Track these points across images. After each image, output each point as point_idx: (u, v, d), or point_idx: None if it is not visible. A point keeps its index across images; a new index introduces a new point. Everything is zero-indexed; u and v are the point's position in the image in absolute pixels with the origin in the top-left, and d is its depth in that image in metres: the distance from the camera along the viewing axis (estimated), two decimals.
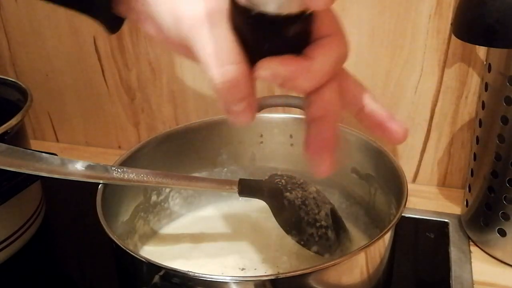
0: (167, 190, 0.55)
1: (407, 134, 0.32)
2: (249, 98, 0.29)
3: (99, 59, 0.71)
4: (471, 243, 0.56)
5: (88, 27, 0.69)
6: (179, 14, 0.30)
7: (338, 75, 0.31)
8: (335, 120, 0.31)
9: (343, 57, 0.30)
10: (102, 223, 0.41)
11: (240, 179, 0.46)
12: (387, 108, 0.33)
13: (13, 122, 0.52)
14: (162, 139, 0.54)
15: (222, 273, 0.48)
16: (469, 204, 0.56)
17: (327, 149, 0.31)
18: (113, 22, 0.36)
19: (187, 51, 0.30)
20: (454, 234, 0.57)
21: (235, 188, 0.46)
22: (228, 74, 0.28)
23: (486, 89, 0.51)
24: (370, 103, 0.32)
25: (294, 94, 0.65)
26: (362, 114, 0.33)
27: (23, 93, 0.57)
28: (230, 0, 0.28)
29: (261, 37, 0.28)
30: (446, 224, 0.59)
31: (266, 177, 0.49)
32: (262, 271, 0.48)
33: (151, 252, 0.52)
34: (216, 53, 0.28)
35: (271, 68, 0.28)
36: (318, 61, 0.28)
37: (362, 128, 0.33)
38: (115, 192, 0.47)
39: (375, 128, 0.33)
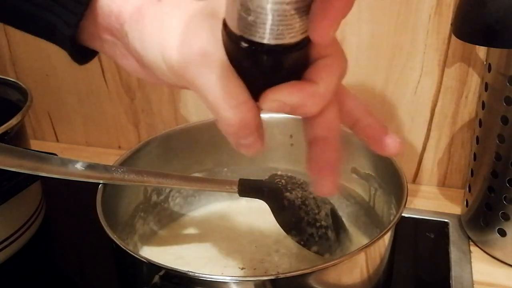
0: (167, 190, 0.55)
1: (401, 148, 0.32)
2: (258, 131, 0.29)
3: (99, 59, 0.71)
4: (471, 243, 0.56)
5: None
6: (171, 60, 0.28)
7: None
8: (338, 138, 0.31)
9: (345, 73, 0.30)
10: (102, 223, 0.41)
11: (240, 179, 0.46)
12: (382, 121, 0.33)
13: (13, 122, 0.52)
14: (162, 139, 0.54)
15: (222, 273, 0.48)
16: (469, 204, 0.56)
17: (331, 169, 0.31)
18: (81, 53, 0.34)
19: (183, 86, 0.29)
20: (454, 234, 0.57)
21: (235, 188, 0.46)
22: (238, 115, 0.27)
23: (486, 89, 0.51)
24: (365, 117, 0.33)
25: None
26: (357, 127, 0.33)
27: (23, 93, 0.57)
28: (225, 35, 0.27)
29: (261, 68, 0.27)
30: (446, 224, 0.59)
31: (266, 177, 0.49)
32: (262, 271, 0.48)
33: (151, 252, 0.52)
34: (223, 96, 0.27)
35: (278, 100, 0.27)
36: (323, 84, 0.28)
37: (360, 139, 0.33)
38: (115, 192, 0.47)
39: (369, 141, 0.33)
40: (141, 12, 0.29)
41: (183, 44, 0.28)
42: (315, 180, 0.31)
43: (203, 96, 0.28)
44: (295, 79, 0.28)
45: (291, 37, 0.26)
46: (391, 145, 0.32)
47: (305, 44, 0.27)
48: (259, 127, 0.29)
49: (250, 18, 0.25)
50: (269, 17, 0.25)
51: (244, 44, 0.26)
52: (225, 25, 0.27)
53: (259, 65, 0.27)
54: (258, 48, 0.26)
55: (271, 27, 0.25)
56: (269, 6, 0.24)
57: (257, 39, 0.26)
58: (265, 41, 0.26)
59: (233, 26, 0.26)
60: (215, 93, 0.27)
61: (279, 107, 0.28)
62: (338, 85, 0.29)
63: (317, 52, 0.28)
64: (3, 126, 0.51)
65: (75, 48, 0.33)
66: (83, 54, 0.34)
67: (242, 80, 0.28)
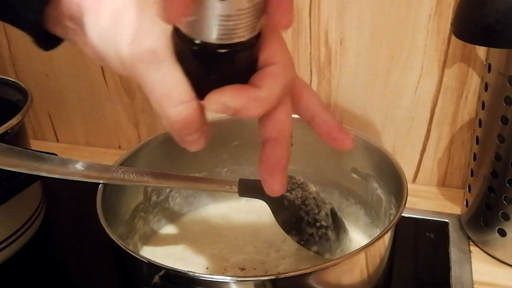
0: (167, 190, 0.55)
1: (353, 143, 0.35)
2: (202, 128, 0.30)
3: None
4: (471, 243, 0.56)
5: None
6: (121, 55, 0.28)
7: (290, 90, 0.31)
8: (289, 140, 0.32)
9: (291, 81, 0.31)
10: (102, 223, 0.41)
11: (240, 179, 0.46)
12: (336, 118, 0.35)
13: (13, 122, 0.52)
14: (162, 139, 0.54)
15: (222, 273, 0.48)
16: (469, 204, 0.56)
17: (280, 169, 0.32)
18: (46, 39, 0.34)
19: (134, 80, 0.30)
20: (454, 234, 0.57)
21: (235, 188, 0.46)
22: (181, 113, 0.28)
23: (486, 89, 0.51)
24: (322, 113, 0.34)
25: None
26: (314, 122, 0.34)
27: (23, 93, 0.57)
28: (174, 33, 0.27)
29: (207, 68, 0.28)
30: (446, 224, 0.59)
31: None
32: (262, 271, 0.48)
33: (151, 252, 0.52)
34: (167, 94, 0.28)
35: (220, 102, 0.28)
36: (266, 89, 0.29)
37: (316, 134, 0.35)
38: (115, 192, 0.47)
39: (325, 136, 0.35)
40: (99, 3, 0.30)
41: (134, 40, 0.28)
42: (264, 180, 0.32)
43: (149, 93, 0.29)
44: (240, 82, 0.28)
45: (235, 37, 0.26)
46: (344, 140, 0.34)
47: (250, 45, 0.28)
48: (203, 125, 0.30)
49: (194, 18, 0.25)
50: (213, 18, 0.25)
51: (190, 43, 0.27)
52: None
53: (205, 65, 0.28)
54: (203, 48, 0.26)
55: (215, 28, 0.26)
56: (210, 5, 0.25)
57: (201, 39, 0.26)
58: (210, 41, 0.26)
59: (183, 26, 0.27)
60: (160, 90, 0.28)
61: (222, 109, 0.28)
62: (283, 91, 0.30)
63: (265, 60, 0.29)
64: (3, 126, 0.51)
65: (39, 34, 0.33)
66: (48, 40, 0.34)
67: (189, 80, 0.28)
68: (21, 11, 0.32)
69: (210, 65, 0.28)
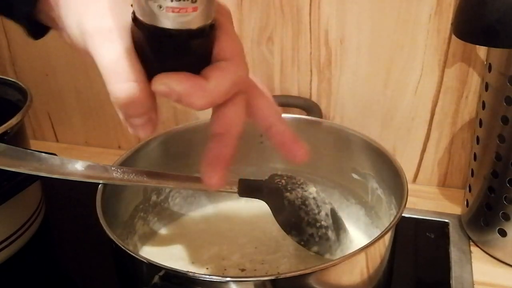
0: (167, 190, 0.55)
1: (307, 156, 0.36)
2: (149, 114, 0.30)
3: None
4: (471, 243, 0.56)
5: None
6: (83, 26, 0.30)
7: (245, 94, 0.33)
8: (234, 138, 0.33)
9: (241, 80, 0.31)
10: (102, 223, 0.41)
11: (240, 179, 0.46)
12: (291, 130, 0.36)
13: (13, 122, 0.52)
14: (162, 139, 0.54)
15: (222, 273, 0.48)
16: (470, 204, 0.56)
17: (220, 164, 0.33)
18: (36, 29, 0.36)
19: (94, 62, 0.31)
20: (454, 234, 0.57)
21: (235, 188, 0.46)
22: (125, 91, 0.29)
23: (486, 89, 0.51)
24: (278, 123, 0.35)
25: (294, 94, 0.66)
26: (270, 132, 0.36)
27: (23, 93, 0.57)
28: (132, 16, 0.28)
29: (161, 53, 0.29)
30: (446, 224, 0.59)
31: (266, 177, 0.49)
32: (262, 271, 0.48)
33: (151, 252, 0.52)
34: (114, 70, 0.29)
35: (166, 83, 0.29)
36: (213, 81, 0.30)
37: (271, 144, 0.36)
38: (115, 192, 0.47)
39: (280, 147, 0.36)
40: None
41: (97, 15, 0.29)
42: (203, 172, 0.33)
43: (99, 65, 0.30)
44: (192, 72, 0.29)
45: (186, 24, 0.27)
46: (298, 152, 0.36)
47: (202, 33, 0.28)
48: (151, 110, 0.30)
49: (150, 3, 0.26)
50: (167, 2, 0.26)
51: (146, 28, 0.27)
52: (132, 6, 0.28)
53: (158, 50, 0.28)
54: (158, 32, 0.27)
55: (169, 13, 0.26)
56: None
57: (157, 24, 0.27)
58: (164, 26, 0.27)
59: (136, 9, 0.28)
60: (109, 65, 0.29)
61: (167, 92, 0.29)
62: (232, 87, 0.31)
63: (217, 55, 0.30)
64: (3, 126, 0.51)
65: (31, 25, 0.35)
66: (38, 30, 0.36)
67: (143, 63, 0.29)
68: (16, 4, 0.34)
69: (162, 50, 0.28)
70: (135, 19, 0.28)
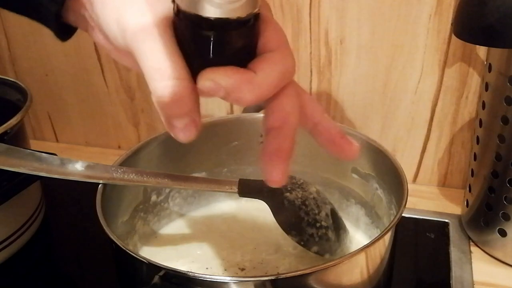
0: (167, 190, 0.55)
1: (358, 152, 0.34)
2: (192, 115, 0.29)
3: (99, 59, 0.71)
4: (471, 243, 0.56)
5: None
6: (124, 24, 0.29)
7: (295, 88, 0.31)
8: (292, 130, 0.31)
9: (289, 71, 0.30)
10: (102, 223, 0.41)
11: (240, 179, 0.46)
12: (338, 126, 0.34)
13: (13, 122, 0.52)
14: (162, 139, 0.54)
15: (222, 273, 0.48)
16: (470, 204, 0.56)
17: (282, 159, 0.31)
18: (63, 30, 0.35)
19: (134, 62, 0.30)
20: (454, 234, 0.57)
21: (235, 188, 0.46)
22: (170, 89, 0.27)
23: (486, 89, 0.51)
24: (324, 120, 0.34)
25: None
26: (316, 130, 0.34)
27: (23, 93, 0.57)
28: (175, 9, 0.27)
29: (206, 46, 0.27)
30: (446, 224, 0.59)
31: None
32: (262, 271, 0.48)
33: (151, 252, 0.52)
34: (158, 67, 0.28)
35: (212, 79, 0.27)
36: (261, 74, 0.28)
37: (318, 142, 0.35)
38: (115, 192, 0.47)
39: (328, 144, 0.34)
40: None
41: (138, 11, 0.28)
42: (264, 168, 0.31)
43: (141, 64, 0.28)
44: (238, 66, 0.28)
45: (234, 13, 0.26)
46: (348, 148, 0.34)
47: (248, 22, 0.27)
48: (194, 111, 0.29)
49: None
50: None
51: (188, 19, 0.26)
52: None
53: (204, 41, 0.27)
54: (202, 23, 0.26)
55: (214, 2, 0.25)
56: None
57: (200, 13, 0.26)
58: (212, 15, 0.26)
59: (179, 1, 0.27)
60: (152, 61, 0.28)
61: (214, 87, 0.27)
62: (281, 79, 0.29)
63: (263, 46, 0.29)
64: (3, 126, 0.51)
65: (59, 26, 0.34)
66: (66, 31, 0.35)
67: (187, 60, 0.28)
68: (44, 3, 0.33)
69: (208, 42, 0.27)
70: (178, 11, 0.27)
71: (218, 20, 0.26)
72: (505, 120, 0.49)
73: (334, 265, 0.38)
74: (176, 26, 0.28)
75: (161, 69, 0.27)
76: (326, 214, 0.48)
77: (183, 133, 0.29)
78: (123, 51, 0.30)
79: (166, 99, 0.27)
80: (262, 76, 0.28)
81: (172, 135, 0.30)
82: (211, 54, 0.27)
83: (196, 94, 0.28)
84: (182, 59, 0.28)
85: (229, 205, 0.58)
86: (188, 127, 0.29)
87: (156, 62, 0.28)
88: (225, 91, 0.28)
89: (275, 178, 0.31)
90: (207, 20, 0.26)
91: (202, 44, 0.27)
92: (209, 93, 0.28)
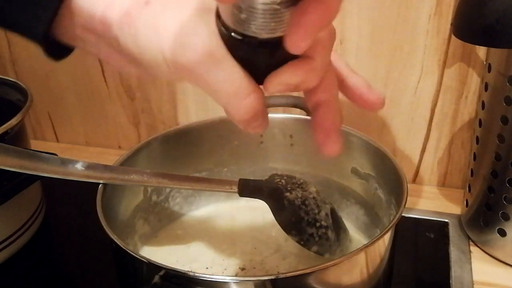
0: (167, 190, 0.55)
1: (383, 103, 0.35)
2: (265, 116, 0.30)
3: (99, 59, 0.71)
4: (471, 243, 0.56)
5: None
6: (177, 59, 0.28)
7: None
8: (338, 102, 0.33)
9: (333, 42, 0.31)
10: (102, 223, 0.41)
11: (240, 179, 0.46)
12: (362, 76, 0.36)
13: (13, 122, 0.52)
14: (162, 139, 0.54)
15: (222, 273, 0.48)
16: (469, 204, 0.56)
17: (335, 131, 0.33)
18: (57, 49, 0.33)
19: (139, 68, 0.30)
20: (454, 234, 0.57)
21: (235, 188, 0.46)
22: (250, 105, 0.29)
23: (486, 89, 0.51)
24: (350, 75, 0.35)
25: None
26: (343, 85, 0.35)
27: (23, 93, 0.57)
28: (223, 29, 0.27)
29: (261, 59, 0.28)
30: (446, 224, 0.59)
31: (266, 177, 0.49)
32: (262, 271, 0.48)
33: (151, 252, 0.52)
34: (235, 91, 0.28)
35: (281, 82, 0.29)
36: (319, 58, 0.29)
37: (347, 97, 0.36)
38: (115, 192, 0.47)
39: (355, 98, 0.36)
40: (131, 16, 0.29)
41: (186, 46, 0.28)
42: (321, 143, 0.33)
43: (214, 94, 0.29)
44: (293, 58, 0.29)
45: (283, 32, 0.26)
46: (375, 100, 0.35)
47: None
48: (265, 110, 0.30)
49: (245, 17, 0.26)
50: (262, 16, 0.25)
51: (242, 38, 0.27)
52: (219, 17, 0.27)
53: (259, 57, 0.28)
54: (255, 41, 0.27)
55: (264, 24, 0.26)
56: (260, 6, 0.25)
57: (252, 34, 0.26)
58: (264, 37, 0.26)
59: (228, 20, 0.27)
60: (227, 89, 0.28)
61: (285, 88, 0.29)
62: (330, 57, 0.31)
63: None
64: (3, 126, 0.51)
65: (50, 45, 0.32)
66: (59, 50, 0.33)
67: (246, 70, 0.29)
68: (31, 23, 0.31)
69: (264, 56, 0.28)
70: (227, 29, 0.27)
71: (271, 39, 0.27)
72: (504, 120, 0.49)
73: (334, 265, 0.38)
74: (228, 43, 0.28)
75: (237, 92, 0.28)
76: (326, 214, 0.48)
77: (259, 129, 0.31)
78: (167, 78, 0.30)
79: (249, 114, 0.29)
80: (320, 60, 0.29)
81: (249, 131, 0.31)
82: (270, 63, 0.29)
83: (264, 96, 0.30)
84: (245, 73, 0.28)
85: (229, 205, 0.58)
86: (263, 123, 0.31)
87: (235, 85, 0.28)
88: (294, 87, 0.29)
89: (336, 150, 0.33)
90: (261, 40, 0.27)
91: (259, 57, 0.28)
92: (279, 93, 0.29)
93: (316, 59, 0.29)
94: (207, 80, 0.28)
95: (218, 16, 0.27)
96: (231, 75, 0.28)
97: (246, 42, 0.27)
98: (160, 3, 0.29)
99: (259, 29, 0.26)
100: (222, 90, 0.28)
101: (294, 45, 0.26)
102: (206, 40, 0.28)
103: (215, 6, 0.28)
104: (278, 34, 0.27)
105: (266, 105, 0.30)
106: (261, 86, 0.29)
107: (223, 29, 0.27)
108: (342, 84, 0.35)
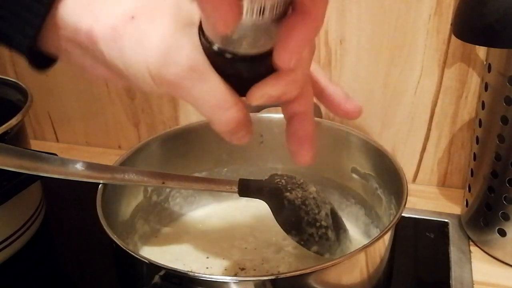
0: (167, 190, 0.55)
1: (361, 111, 0.36)
2: (249, 126, 0.31)
3: None
4: (471, 243, 0.56)
5: None
6: (161, 74, 0.29)
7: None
8: (313, 114, 0.34)
9: (314, 51, 0.32)
10: (102, 223, 0.41)
11: (240, 179, 0.46)
12: (340, 86, 0.36)
13: (13, 122, 0.52)
14: (162, 139, 0.54)
15: (222, 273, 0.48)
16: (469, 204, 0.56)
17: (311, 141, 0.34)
18: (42, 61, 0.33)
19: (126, 81, 0.31)
20: (454, 234, 0.57)
21: (235, 188, 0.46)
22: (233, 116, 0.30)
23: (486, 89, 0.51)
24: (328, 86, 0.36)
25: None
26: (322, 96, 0.36)
27: (23, 93, 0.57)
28: (206, 45, 0.28)
29: (246, 73, 0.29)
30: (446, 224, 0.59)
31: (266, 177, 0.49)
32: (262, 271, 0.48)
33: (151, 252, 0.52)
34: (217, 104, 0.29)
35: (263, 95, 0.30)
36: (300, 70, 0.30)
37: (325, 107, 0.37)
38: (115, 192, 0.47)
39: (333, 108, 0.36)
40: (117, 31, 0.29)
41: (170, 61, 0.29)
42: (294, 152, 0.34)
43: (198, 106, 0.30)
44: (274, 71, 0.29)
45: (265, 48, 0.27)
46: (352, 110, 0.36)
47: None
48: (249, 120, 0.31)
49: (234, 36, 0.26)
50: (252, 33, 0.26)
51: (228, 55, 0.28)
52: (202, 31, 0.28)
53: (244, 71, 0.29)
54: (242, 57, 0.28)
55: (253, 41, 0.27)
56: (253, 25, 0.25)
57: (239, 51, 0.27)
58: (249, 52, 0.27)
59: (216, 40, 0.27)
60: (210, 102, 0.29)
61: (268, 101, 0.30)
62: (311, 61, 0.31)
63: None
64: (3, 126, 0.51)
65: (35, 56, 0.33)
66: (44, 61, 0.34)
67: (228, 83, 0.29)
68: (16, 37, 0.31)
69: (249, 70, 0.29)
70: (212, 46, 0.28)
71: (258, 54, 0.27)
72: (504, 120, 0.49)
73: (334, 265, 0.38)
74: (211, 58, 0.29)
75: (219, 105, 0.29)
76: (326, 214, 0.48)
77: (243, 140, 0.32)
78: (152, 91, 0.31)
79: (232, 125, 0.30)
80: (301, 71, 0.30)
81: (233, 142, 0.32)
82: (254, 76, 0.29)
83: (247, 108, 0.31)
84: (228, 86, 0.29)
85: (229, 205, 0.58)
86: (247, 134, 0.32)
87: (217, 98, 0.29)
88: (275, 99, 0.30)
89: (308, 159, 0.34)
90: (250, 56, 0.27)
91: (244, 72, 0.29)
92: (261, 105, 0.30)
93: (297, 71, 0.30)
94: (191, 93, 0.29)
95: (201, 30, 0.28)
96: (214, 88, 0.29)
97: (231, 58, 0.28)
98: (146, 18, 0.29)
99: (250, 46, 0.27)
100: (205, 102, 0.29)
101: (285, 62, 0.27)
102: (190, 55, 0.28)
103: (198, 20, 0.28)
104: (265, 48, 0.27)
105: (250, 118, 0.31)
106: (243, 98, 0.30)
107: (206, 43, 0.28)
108: (320, 94, 0.36)
